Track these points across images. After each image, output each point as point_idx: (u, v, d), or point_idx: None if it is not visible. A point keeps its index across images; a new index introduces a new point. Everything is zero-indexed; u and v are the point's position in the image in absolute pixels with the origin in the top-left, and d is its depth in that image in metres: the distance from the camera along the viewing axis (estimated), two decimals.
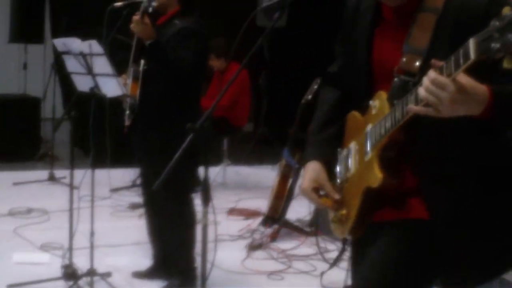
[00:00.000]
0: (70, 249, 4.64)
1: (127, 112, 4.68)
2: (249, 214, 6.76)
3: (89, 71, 4.24)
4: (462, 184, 2.10)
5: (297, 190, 6.73)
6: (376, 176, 2.12)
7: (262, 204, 6.49)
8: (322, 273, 4.99)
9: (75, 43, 4.23)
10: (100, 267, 4.82)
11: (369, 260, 2.27)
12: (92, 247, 4.47)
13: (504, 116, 1.91)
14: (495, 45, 1.66)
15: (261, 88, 9.83)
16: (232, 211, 6.92)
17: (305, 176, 2.45)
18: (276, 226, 6.11)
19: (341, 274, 4.99)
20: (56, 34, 8.34)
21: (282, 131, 7.00)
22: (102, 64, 4.17)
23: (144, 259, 5.05)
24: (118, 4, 4.51)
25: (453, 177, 2.09)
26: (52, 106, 8.64)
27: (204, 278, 2.94)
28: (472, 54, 1.71)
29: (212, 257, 5.14)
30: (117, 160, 7.56)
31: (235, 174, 8.27)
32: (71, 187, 4.71)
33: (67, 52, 4.33)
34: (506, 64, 1.67)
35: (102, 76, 4.21)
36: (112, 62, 4.18)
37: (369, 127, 2.21)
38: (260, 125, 9.90)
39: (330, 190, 2.37)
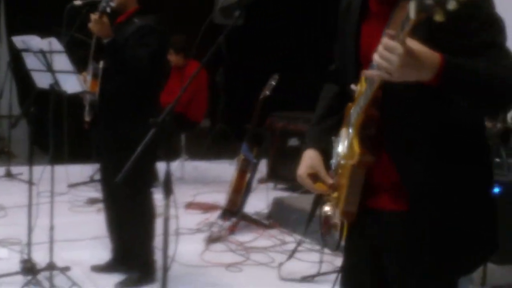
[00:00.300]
0: (29, 244, 4.65)
1: (87, 108, 4.73)
2: (207, 208, 6.83)
3: (49, 68, 4.26)
4: (423, 151, 2.16)
5: (255, 184, 6.84)
6: (355, 152, 2.21)
7: (220, 198, 6.56)
8: (280, 264, 5.10)
9: (34, 41, 4.25)
10: (59, 262, 4.84)
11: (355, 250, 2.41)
12: (51, 241, 4.48)
13: (452, 84, 1.98)
14: (429, 2, 1.75)
15: (218, 85, 9.91)
16: (190, 205, 6.99)
17: (302, 163, 2.50)
18: (234, 220, 6.18)
19: (299, 265, 5.12)
20: (12, 32, 8.30)
21: (240, 126, 7.08)
22: (62, 61, 4.19)
23: (103, 253, 5.08)
24: (77, 2, 4.56)
25: (414, 143, 2.17)
26: (9, 103, 8.61)
27: (166, 270, 3.00)
28: (412, 14, 1.80)
29: (173, 251, 5.26)
30: (75, 156, 7.58)
31: (193, 169, 8.33)
32: (30, 183, 4.70)
33: (26, 50, 4.34)
34: (437, 17, 1.77)
35: (62, 73, 4.24)
36: (71, 60, 4.21)
37: (351, 110, 2.32)
38: (217, 121, 9.98)
39: (324, 176, 2.42)
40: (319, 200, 2.58)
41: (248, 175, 6.28)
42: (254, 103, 6.30)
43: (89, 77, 4.58)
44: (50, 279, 4.36)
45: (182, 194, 7.38)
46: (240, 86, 10.27)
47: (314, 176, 2.46)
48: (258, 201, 6.62)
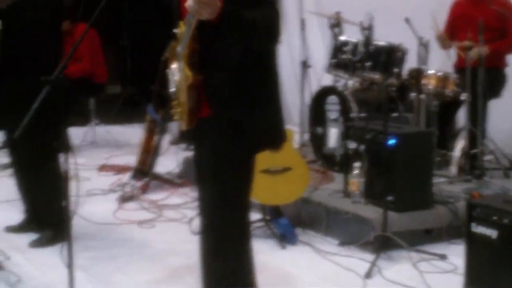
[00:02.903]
0: None
1: None
2: (119, 169, 6.94)
3: None
4: (224, 70, 3.00)
5: (167, 145, 6.98)
6: (188, 76, 2.97)
7: (133, 160, 6.66)
8: (190, 219, 5.27)
9: None
10: None
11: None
12: None
13: (225, 21, 2.79)
14: None
15: (124, 48, 9.93)
16: (103, 168, 7.10)
17: None
18: (146, 179, 6.33)
19: None
20: None
21: (147, 89, 7.18)
22: None
23: (17, 215, 5.15)
24: None
25: (218, 66, 2.99)
26: None
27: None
28: None
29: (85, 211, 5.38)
30: None
31: (105, 133, 8.41)
32: None
33: None
34: None
35: None
36: None
37: (178, 48, 3.09)
38: (126, 85, 10.03)
39: None
40: None
41: (156, 136, 6.42)
42: (158, 65, 6.38)
43: None
44: None
45: (95, 157, 7.50)
46: (145, 49, 10.29)
47: None
48: (169, 162, 6.78)
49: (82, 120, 8.59)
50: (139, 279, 4.29)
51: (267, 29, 2.94)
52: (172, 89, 3.19)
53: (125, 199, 5.97)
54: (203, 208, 3.12)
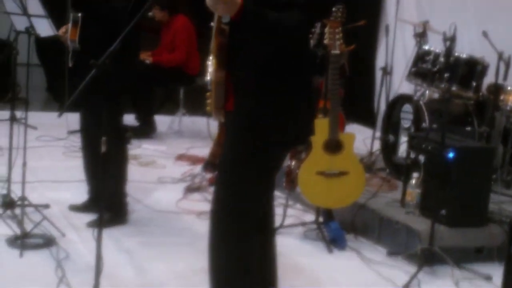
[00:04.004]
0: (9, 180, 4.96)
1: (70, 55, 5.00)
2: (195, 160, 7.06)
3: (24, 12, 4.53)
4: (250, 68, 3.11)
5: None
6: (214, 69, 3.16)
7: None
8: None
9: None
10: (43, 200, 5.20)
11: None
12: (23, 177, 4.75)
13: (246, 18, 2.89)
14: None
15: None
16: (180, 157, 7.24)
17: None
18: (216, 172, 6.42)
19: None
20: None
21: None
22: (35, 6, 4.46)
23: (85, 195, 5.36)
24: None
25: (244, 63, 3.10)
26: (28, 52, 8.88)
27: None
28: None
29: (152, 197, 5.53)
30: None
31: (191, 124, 8.57)
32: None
33: None
34: None
35: (36, 17, 4.50)
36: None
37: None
38: None
39: None
40: None
41: None
42: None
43: (69, 26, 4.84)
44: (22, 212, 4.65)
45: (176, 146, 7.68)
46: None
47: None
48: None
49: (172, 108, 8.81)
50: (175, 268, 4.39)
51: (292, 31, 3.01)
52: (207, 80, 3.31)
53: (192, 189, 6.10)
54: (214, 196, 3.26)
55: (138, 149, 7.42)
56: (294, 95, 3.16)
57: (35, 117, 7.31)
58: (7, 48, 7.94)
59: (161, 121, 8.43)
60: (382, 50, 7.43)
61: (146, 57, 8.14)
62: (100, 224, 3.63)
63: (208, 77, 3.36)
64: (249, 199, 3.18)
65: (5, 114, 5.25)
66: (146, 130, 8.18)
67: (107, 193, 5.04)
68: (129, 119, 8.35)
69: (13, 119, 5.19)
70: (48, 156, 6.82)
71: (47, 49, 8.90)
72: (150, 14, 7.82)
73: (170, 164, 7.01)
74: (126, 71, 4.94)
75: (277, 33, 2.99)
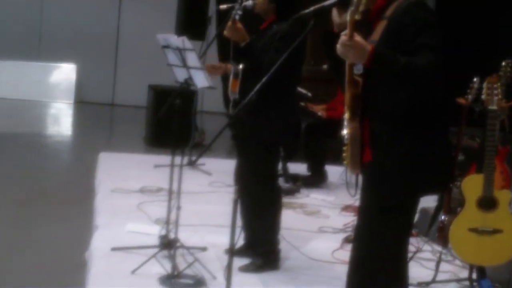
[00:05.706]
0: (167, 222, 5.22)
1: (231, 105, 5.22)
2: None
3: (184, 64, 4.80)
4: (387, 120, 3.21)
5: None
6: (347, 121, 3.32)
7: None
8: None
9: (172, 39, 4.81)
10: (201, 243, 5.43)
11: None
12: (177, 220, 5.01)
13: (378, 64, 3.02)
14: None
15: None
16: (346, 208, 7.26)
17: None
18: None
19: (419, 269, 5.29)
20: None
21: None
22: (192, 58, 4.72)
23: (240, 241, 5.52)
24: (223, 7, 5.07)
25: (381, 115, 3.22)
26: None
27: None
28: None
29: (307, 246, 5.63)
30: None
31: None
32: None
33: (167, 46, 4.90)
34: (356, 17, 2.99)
35: (193, 69, 4.76)
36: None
37: None
38: None
39: None
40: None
41: None
42: None
43: (230, 78, 5.07)
44: (172, 253, 4.89)
45: (344, 197, 7.65)
46: None
47: None
48: None
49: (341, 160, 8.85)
50: None
51: (423, 71, 3.00)
52: (344, 133, 3.37)
53: (350, 240, 6.09)
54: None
55: (306, 198, 7.55)
56: (434, 143, 3.21)
57: (214, 163, 7.68)
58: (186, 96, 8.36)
59: (333, 171, 8.49)
60: None
61: (319, 110, 8.27)
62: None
63: (345, 131, 3.40)
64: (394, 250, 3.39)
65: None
66: (316, 180, 8.29)
67: (261, 240, 5.22)
68: (301, 168, 8.54)
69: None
70: (216, 201, 7.08)
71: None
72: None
73: (335, 215, 7.05)
74: (282, 123, 5.06)
75: (409, 75, 3.02)
